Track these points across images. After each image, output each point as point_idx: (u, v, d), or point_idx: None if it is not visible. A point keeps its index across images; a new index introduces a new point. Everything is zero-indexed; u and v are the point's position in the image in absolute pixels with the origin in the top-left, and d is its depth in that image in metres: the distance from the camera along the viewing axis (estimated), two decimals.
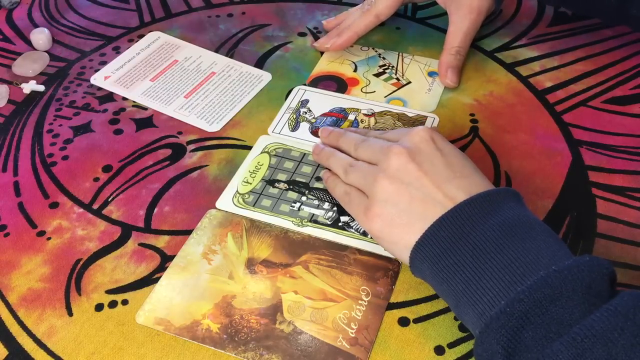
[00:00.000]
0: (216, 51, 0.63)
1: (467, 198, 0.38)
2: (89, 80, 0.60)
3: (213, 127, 0.55)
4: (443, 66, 0.57)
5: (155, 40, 0.64)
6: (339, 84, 0.59)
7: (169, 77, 0.59)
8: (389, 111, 0.55)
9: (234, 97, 0.57)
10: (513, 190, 0.39)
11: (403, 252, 0.39)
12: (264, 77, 0.60)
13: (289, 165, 0.51)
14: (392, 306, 0.42)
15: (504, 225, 0.36)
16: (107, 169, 0.52)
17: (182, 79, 0.59)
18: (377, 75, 0.59)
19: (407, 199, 0.39)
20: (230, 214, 0.47)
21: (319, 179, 0.50)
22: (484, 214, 0.37)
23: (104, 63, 0.62)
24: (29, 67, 0.61)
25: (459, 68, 0.57)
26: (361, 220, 0.42)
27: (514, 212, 0.37)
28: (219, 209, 0.48)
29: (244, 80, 0.59)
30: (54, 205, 0.49)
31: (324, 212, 0.47)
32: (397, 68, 0.60)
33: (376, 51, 0.62)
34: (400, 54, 0.62)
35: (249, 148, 0.53)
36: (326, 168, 0.48)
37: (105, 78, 0.60)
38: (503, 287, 0.34)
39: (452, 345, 0.40)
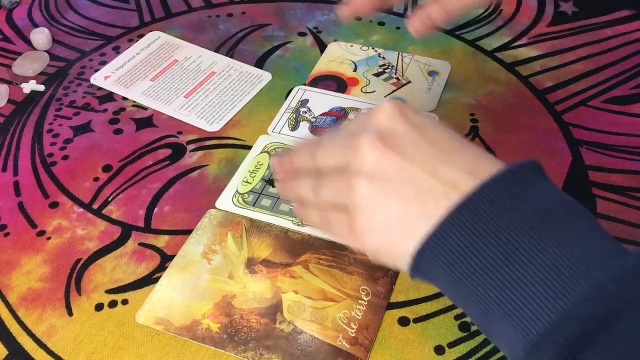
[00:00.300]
0: (216, 51, 0.63)
1: (489, 178, 0.29)
2: (89, 80, 0.60)
3: (213, 127, 0.54)
4: (419, 13, 0.45)
5: (155, 39, 0.64)
6: (338, 84, 0.59)
7: (169, 77, 0.59)
8: None
9: (234, 97, 0.57)
10: (536, 162, 0.31)
11: (407, 262, 0.32)
12: (264, 76, 0.60)
13: None
14: (392, 306, 0.42)
15: (540, 213, 0.28)
16: (107, 168, 0.52)
17: (182, 78, 0.59)
18: (377, 74, 0.60)
19: (398, 200, 0.31)
20: (230, 214, 0.47)
21: None
22: (511, 197, 0.29)
23: (104, 63, 0.62)
24: (29, 67, 0.61)
25: (434, 24, 0.45)
26: (349, 240, 0.34)
27: (546, 193, 0.30)
28: (219, 209, 0.48)
29: (244, 80, 0.59)
30: (54, 205, 0.49)
31: None
32: (397, 68, 0.60)
33: (376, 51, 0.62)
34: (400, 53, 0.62)
35: (249, 148, 0.53)
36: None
37: (105, 78, 0.60)
38: (551, 296, 0.27)
39: (452, 345, 0.40)
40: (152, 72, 0.60)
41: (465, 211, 0.29)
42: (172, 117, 0.56)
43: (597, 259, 0.27)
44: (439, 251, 0.29)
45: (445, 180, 0.30)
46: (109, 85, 0.59)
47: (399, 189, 0.31)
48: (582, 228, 0.29)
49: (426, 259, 0.30)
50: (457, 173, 0.30)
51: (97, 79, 0.60)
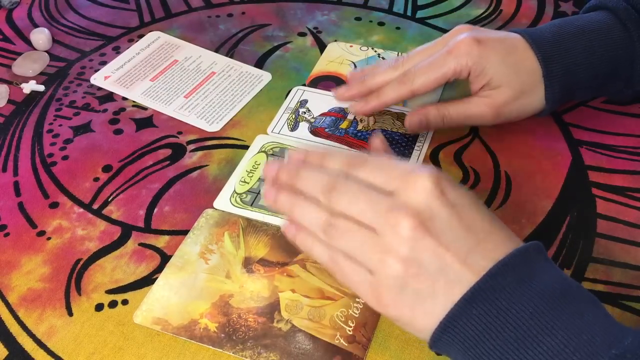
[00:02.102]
0: (216, 51, 0.63)
1: (494, 265, 0.32)
2: (89, 80, 0.60)
3: (213, 127, 0.55)
4: (420, 113, 0.50)
5: (155, 40, 0.64)
6: (338, 84, 0.59)
7: (169, 77, 0.59)
8: (389, 110, 0.55)
9: (233, 97, 0.57)
10: (539, 244, 0.34)
11: (428, 336, 0.33)
12: (264, 77, 0.60)
13: None
14: None
15: (545, 296, 0.31)
16: (107, 169, 0.52)
17: (182, 78, 0.59)
18: None
19: (428, 285, 0.32)
20: (226, 214, 0.47)
21: None
22: (518, 282, 0.31)
23: (104, 63, 0.62)
24: (29, 67, 0.61)
25: (429, 127, 0.52)
26: (369, 301, 0.35)
27: (551, 276, 0.32)
28: (216, 209, 0.48)
29: (243, 80, 0.59)
30: (54, 205, 0.49)
31: None
32: None
33: (375, 51, 0.62)
34: (400, 53, 0.62)
35: (249, 148, 0.53)
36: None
37: (106, 78, 0.60)
38: None
39: None
40: (152, 72, 0.60)
41: (477, 296, 0.31)
42: (172, 117, 0.56)
43: (599, 342, 0.29)
44: (454, 335, 0.32)
45: (474, 269, 0.32)
46: (109, 86, 0.59)
47: (432, 274, 0.32)
48: (585, 312, 0.31)
49: (444, 341, 0.32)
50: (485, 261, 0.32)
51: (97, 79, 0.60)
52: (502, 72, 0.48)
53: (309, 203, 0.36)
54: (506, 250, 0.32)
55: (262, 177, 0.40)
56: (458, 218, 0.33)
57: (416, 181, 0.33)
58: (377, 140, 0.41)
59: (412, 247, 0.32)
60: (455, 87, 0.57)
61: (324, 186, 0.35)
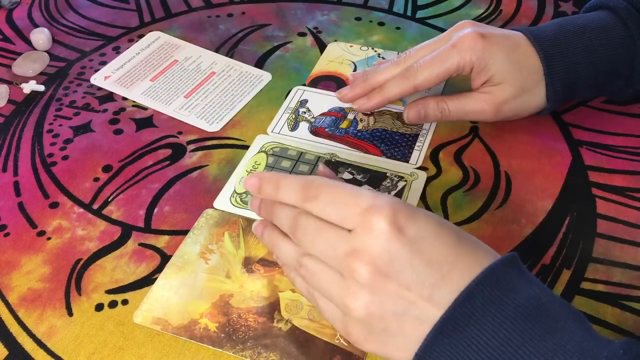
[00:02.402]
0: (216, 51, 0.63)
1: (459, 294, 0.31)
2: (89, 80, 0.60)
3: (213, 127, 0.55)
4: (418, 105, 0.50)
5: (155, 40, 0.64)
6: (338, 84, 0.59)
7: (169, 77, 0.59)
8: (389, 110, 0.55)
9: (234, 97, 0.57)
10: (510, 258, 0.33)
11: None
12: (264, 77, 0.60)
13: (286, 164, 0.51)
14: None
15: (517, 319, 0.30)
16: (107, 169, 0.52)
17: (182, 78, 0.59)
18: None
19: (395, 325, 0.32)
20: (226, 214, 0.47)
21: None
22: (487, 305, 0.30)
23: (104, 63, 0.62)
24: (29, 67, 0.61)
25: (427, 120, 0.51)
26: (344, 336, 0.35)
27: (523, 294, 0.31)
28: (216, 209, 0.48)
29: (244, 80, 0.59)
30: (54, 205, 0.49)
31: None
32: None
33: (375, 51, 0.62)
34: (400, 53, 0.62)
35: (249, 148, 0.53)
36: None
37: (106, 78, 0.60)
38: None
39: None
40: (152, 72, 0.60)
41: (446, 328, 0.31)
42: (172, 117, 0.56)
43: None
44: None
45: (441, 305, 0.31)
46: (109, 86, 0.59)
47: (397, 315, 0.32)
48: (560, 328, 0.30)
49: None
50: (452, 294, 0.31)
51: (97, 79, 0.60)
52: (505, 69, 0.47)
53: (285, 241, 0.37)
54: (473, 276, 0.31)
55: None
56: (419, 255, 0.32)
57: (372, 224, 0.32)
58: (322, 169, 0.41)
59: (372, 293, 0.32)
60: (457, 85, 0.57)
61: (288, 225, 0.36)
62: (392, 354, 0.33)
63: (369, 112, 0.55)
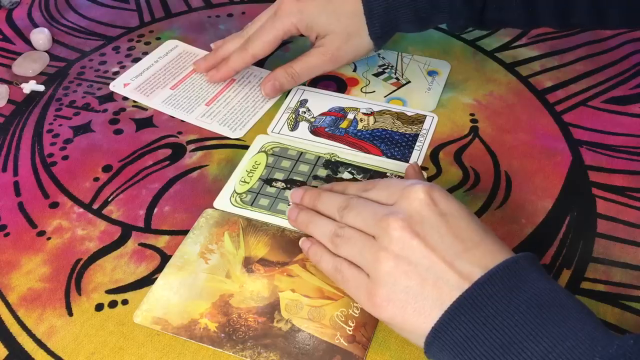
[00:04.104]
0: None
1: (484, 274, 0.33)
2: (89, 80, 0.60)
3: (236, 134, 0.54)
4: (270, 78, 0.55)
5: (173, 48, 0.63)
6: (338, 84, 0.59)
7: (189, 85, 0.59)
8: (389, 110, 0.55)
9: (255, 103, 0.57)
10: (531, 255, 0.35)
11: (419, 340, 0.35)
12: None
13: (286, 164, 0.51)
14: None
15: (532, 305, 0.32)
16: (107, 168, 0.52)
17: (203, 86, 0.59)
18: (377, 75, 0.60)
19: (418, 282, 0.34)
20: (226, 214, 0.47)
21: (316, 177, 0.50)
22: (506, 291, 0.33)
23: (103, 63, 0.62)
24: (29, 67, 0.61)
25: (283, 88, 0.56)
26: (365, 304, 0.37)
27: (539, 286, 0.33)
28: (216, 209, 0.48)
29: None
30: (54, 205, 0.49)
31: None
32: (396, 68, 0.60)
33: (375, 51, 0.62)
34: (400, 53, 0.62)
35: (249, 148, 0.53)
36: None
37: (125, 85, 0.59)
38: None
39: None
40: (171, 80, 0.60)
41: (465, 303, 0.33)
42: (172, 117, 0.56)
43: (583, 349, 0.30)
44: (446, 338, 0.33)
45: (461, 272, 0.34)
46: (128, 93, 0.58)
47: (420, 272, 0.35)
48: (571, 320, 0.32)
49: (434, 347, 0.34)
50: (471, 267, 0.34)
51: (116, 87, 0.59)
52: (324, 22, 0.52)
53: (323, 218, 0.41)
54: (495, 260, 0.34)
55: (290, 200, 0.46)
56: (447, 225, 0.36)
57: (410, 192, 0.37)
58: (411, 169, 0.46)
59: (401, 247, 0.35)
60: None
61: (339, 205, 0.40)
62: (408, 319, 0.35)
63: (368, 112, 0.55)
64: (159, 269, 0.44)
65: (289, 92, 0.58)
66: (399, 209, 0.37)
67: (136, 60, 0.62)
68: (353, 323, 0.40)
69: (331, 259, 0.39)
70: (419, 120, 0.54)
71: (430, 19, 0.52)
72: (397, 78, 0.59)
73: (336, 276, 0.39)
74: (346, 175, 0.50)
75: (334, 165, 0.51)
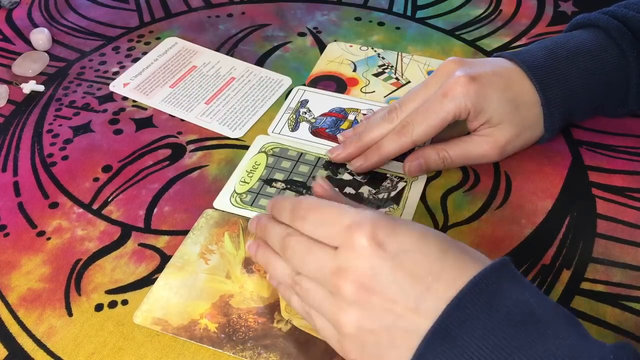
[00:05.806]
0: (216, 51, 0.63)
1: (448, 305, 0.31)
2: (88, 80, 0.60)
3: (236, 133, 0.54)
4: (418, 156, 0.48)
5: (172, 46, 0.63)
6: (338, 84, 0.59)
7: (189, 84, 0.59)
8: None
9: (255, 102, 0.57)
10: (503, 261, 0.33)
11: None
12: (284, 81, 0.59)
13: (286, 164, 0.51)
14: None
15: (507, 325, 0.30)
16: (107, 169, 0.52)
17: (202, 85, 0.59)
18: (377, 75, 0.60)
19: (386, 337, 0.33)
20: (226, 214, 0.47)
21: (316, 178, 0.49)
22: (478, 311, 0.31)
23: (103, 63, 0.62)
24: (29, 67, 0.61)
25: (429, 170, 0.49)
26: (339, 352, 0.35)
27: (513, 299, 0.31)
28: (216, 209, 0.48)
29: (264, 84, 0.59)
30: (54, 205, 0.49)
31: None
32: (396, 68, 0.60)
33: (375, 51, 0.62)
34: (400, 53, 0.62)
35: (249, 148, 0.53)
36: None
37: (125, 85, 0.59)
38: None
39: None
40: (171, 78, 0.60)
41: (437, 338, 0.31)
42: (172, 116, 0.56)
43: None
44: None
45: (427, 315, 0.32)
46: (128, 93, 0.58)
47: (387, 328, 0.33)
48: (551, 333, 0.30)
49: None
50: (439, 302, 0.31)
51: (116, 87, 0.59)
52: (502, 110, 0.46)
53: (278, 260, 0.38)
54: (461, 285, 0.31)
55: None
56: (401, 269, 0.32)
57: (354, 241, 0.33)
58: (319, 189, 0.40)
59: (360, 308, 0.33)
60: (452, 126, 0.52)
61: (280, 244, 0.37)
62: None
63: (369, 113, 0.55)
64: (159, 269, 0.44)
65: (289, 92, 0.58)
66: (346, 264, 0.33)
67: (136, 60, 0.62)
68: None
69: (300, 302, 0.37)
70: None
71: (601, 106, 0.50)
72: (397, 78, 0.59)
73: (308, 320, 0.37)
74: (346, 176, 0.50)
75: (334, 166, 0.51)
